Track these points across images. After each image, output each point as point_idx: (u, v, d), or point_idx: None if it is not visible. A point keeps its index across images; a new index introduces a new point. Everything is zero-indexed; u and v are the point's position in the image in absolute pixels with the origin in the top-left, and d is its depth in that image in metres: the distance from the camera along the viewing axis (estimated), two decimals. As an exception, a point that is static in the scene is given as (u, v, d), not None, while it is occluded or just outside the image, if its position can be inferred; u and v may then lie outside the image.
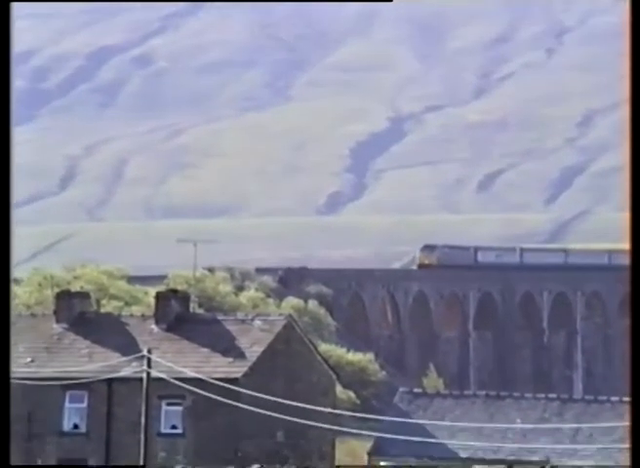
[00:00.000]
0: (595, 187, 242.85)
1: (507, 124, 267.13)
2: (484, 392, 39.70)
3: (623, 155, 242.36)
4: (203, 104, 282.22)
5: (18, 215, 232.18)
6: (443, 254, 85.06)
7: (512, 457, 35.63)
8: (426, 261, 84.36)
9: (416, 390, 41.66)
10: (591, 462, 34.54)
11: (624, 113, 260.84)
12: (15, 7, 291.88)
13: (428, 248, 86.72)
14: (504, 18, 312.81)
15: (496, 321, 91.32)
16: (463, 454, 36.58)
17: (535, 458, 35.20)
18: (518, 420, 36.49)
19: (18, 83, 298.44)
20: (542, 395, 38.67)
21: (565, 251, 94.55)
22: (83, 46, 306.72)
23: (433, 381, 66.01)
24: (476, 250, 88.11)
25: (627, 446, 23.83)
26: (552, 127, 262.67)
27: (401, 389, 41.30)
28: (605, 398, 37.44)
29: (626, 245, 28.41)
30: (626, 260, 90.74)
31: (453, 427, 36.53)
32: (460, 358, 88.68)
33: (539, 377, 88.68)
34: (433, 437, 36.90)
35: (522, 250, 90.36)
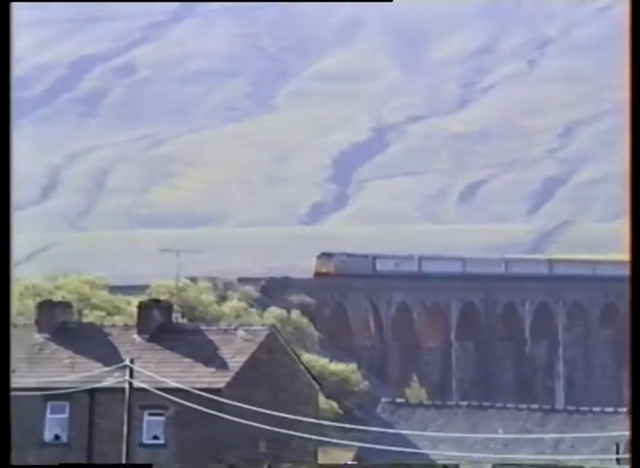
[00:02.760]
0: (577, 198, 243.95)
1: (489, 135, 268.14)
2: (466, 402, 39.77)
3: (605, 166, 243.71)
4: (186, 114, 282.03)
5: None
6: (340, 262, 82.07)
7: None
8: (323, 270, 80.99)
9: (398, 400, 41.71)
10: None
11: (605, 124, 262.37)
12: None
13: (325, 255, 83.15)
14: (487, 29, 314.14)
15: (478, 331, 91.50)
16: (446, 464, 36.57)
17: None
18: (500, 431, 36.54)
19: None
20: (525, 405, 38.75)
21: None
22: (65, 55, 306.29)
23: (416, 391, 66.06)
24: (374, 258, 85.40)
25: (612, 456, 23.88)
26: (534, 138, 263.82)
27: (383, 399, 41.32)
28: (587, 408, 37.53)
29: (618, 255, 28.54)
30: (610, 271, 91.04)
31: (435, 437, 36.57)
32: (442, 368, 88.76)
33: (521, 388, 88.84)
34: (416, 447, 36.92)
35: (420, 257, 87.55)
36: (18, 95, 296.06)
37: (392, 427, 37.68)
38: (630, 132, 25.15)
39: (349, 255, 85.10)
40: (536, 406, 38.99)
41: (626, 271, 31.33)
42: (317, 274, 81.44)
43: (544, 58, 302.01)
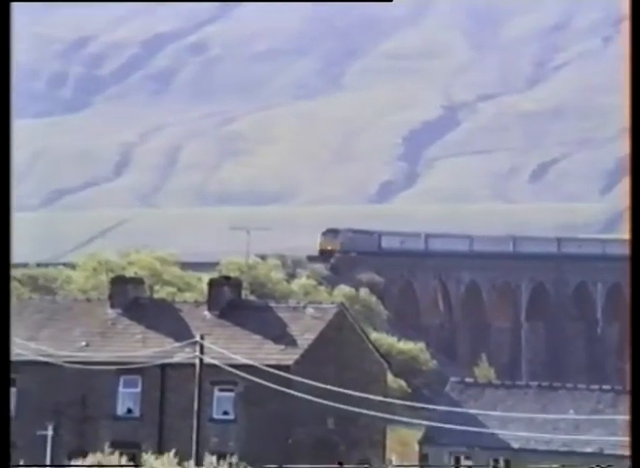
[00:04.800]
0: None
1: (562, 113, 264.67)
2: (536, 383, 39.48)
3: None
4: (256, 92, 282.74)
5: (73, 201, 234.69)
6: (346, 239, 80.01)
7: (565, 448, 35.40)
8: (328, 247, 78.75)
9: (467, 380, 41.54)
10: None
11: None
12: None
13: (331, 232, 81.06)
14: (560, 6, 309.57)
15: (548, 311, 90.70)
16: (515, 445, 36.42)
17: (588, 450, 34.94)
18: (571, 411, 36.22)
19: (74, 69, 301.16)
20: (596, 386, 38.35)
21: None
22: (138, 33, 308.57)
23: (485, 371, 65.72)
24: (380, 235, 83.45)
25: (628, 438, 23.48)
26: (608, 116, 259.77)
27: (452, 379, 41.18)
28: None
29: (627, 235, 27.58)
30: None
31: (504, 417, 36.36)
32: (511, 348, 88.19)
33: (592, 368, 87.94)
34: (485, 427, 36.76)
35: (427, 236, 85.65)
36: (92, 72, 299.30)
37: (461, 406, 37.55)
38: (630, 131, 24.65)
39: (355, 232, 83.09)
40: (607, 386, 38.57)
41: None
42: (322, 251, 79.06)
43: (620, 36, 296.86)
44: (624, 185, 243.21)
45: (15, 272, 59.90)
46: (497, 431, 36.10)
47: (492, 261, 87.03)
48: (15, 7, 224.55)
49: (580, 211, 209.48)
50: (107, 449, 31.82)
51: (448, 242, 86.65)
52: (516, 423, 36.04)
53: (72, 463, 32.35)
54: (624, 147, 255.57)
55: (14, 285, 56.71)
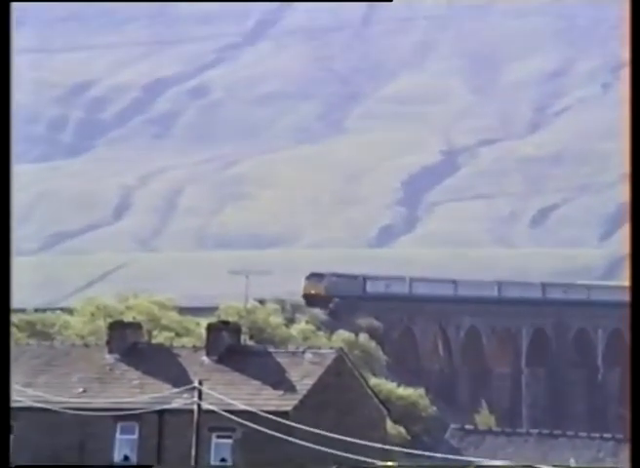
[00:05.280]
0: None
1: (562, 158, 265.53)
2: (537, 430, 39.22)
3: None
4: (258, 135, 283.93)
5: (73, 245, 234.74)
6: (330, 283, 79.14)
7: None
8: (312, 291, 77.74)
9: (467, 426, 41.28)
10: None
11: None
12: (74, 37, 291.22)
13: (315, 276, 79.81)
14: (560, 52, 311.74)
15: (549, 357, 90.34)
16: (515, 494, 36.02)
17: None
18: (572, 460, 35.94)
19: (76, 114, 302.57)
20: (597, 434, 38.08)
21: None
22: (140, 77, 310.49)
23: (485, 418, 65.35)
24: (365, 279, 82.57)
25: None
26: (608, 162, 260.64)
27: (452, 425, 40.93)
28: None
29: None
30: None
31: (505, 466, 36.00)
32: (512, 394, 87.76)
33: (593, 416, 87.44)
34: (485, 475, 36.41)
35: (411, 279, 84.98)
36: (93, 116, 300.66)
37: (461, 454, 37.26)
38: (630, 131, 24.65)
39: (339, 276, 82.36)
40: (609, 435, 38.31)
41: None
42: (306, 295, 78.36)
43: (619, 82, 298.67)
44: (624, 231, 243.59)
45: (13, 317, 59.76)
46: (497, 479, 35.77)
47: (492, 306, 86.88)
48: (15, 53, 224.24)
49: (579, 256, 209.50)
50: None
51: (433, 286, 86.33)
52: (516, 472, 35.71)
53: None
54: (624, 193, 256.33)
55: (11, 330, 56.58)
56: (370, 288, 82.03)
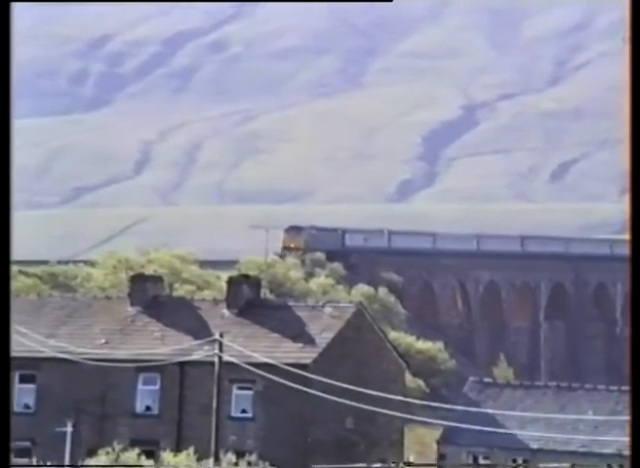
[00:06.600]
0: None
1: (582, 113, 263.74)
2: (555, 383, 39.38)
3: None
4: (276, 90, 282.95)
5: (94, 198, 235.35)
6: (310, 237, 77.95)
7: (583, 449, 35.31)
8: (292, 244, 76.72)
9: (486, 380, 41.48)
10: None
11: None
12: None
13: (294, 229, 78.02)
14: (581, 6, 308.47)
15: (568, 311, 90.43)
16: (534, 445, 36.34)
17: (607, 451, 34.84)
18: (590, 412, 36.12)
19: (95, 67, 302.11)
20: (615, 387, 38.21)
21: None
22: (159, 32, 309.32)
23: (503, 371, 65.60)
24: (344, 232, 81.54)
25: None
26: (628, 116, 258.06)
27: (471, 378, 41.14)
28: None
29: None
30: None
31: (523, 418, 36.29)
32: (530, 348, 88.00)
33: (611, 369, 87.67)
34: (503, 427, 36.70)
35: (390, 232, 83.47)
36: (113, 70, 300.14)
37: (479, 406, 37.50)
38: (630, 132, 24.52)
39: (319, 229, 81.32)
40: (627, 387, 38.42)
41: None
42: (285, 248, 77.19)
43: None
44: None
45: (35, 269, 60.22)
46: (515, 431, 36.05)
47: (512, 261, 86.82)
48: (31, 7, 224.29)
49: (598, 211, 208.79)
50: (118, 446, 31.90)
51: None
52: (535, 424, 35.98)
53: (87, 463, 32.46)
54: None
55: (35, 282, 57.02)
56: (348, 241, 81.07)
